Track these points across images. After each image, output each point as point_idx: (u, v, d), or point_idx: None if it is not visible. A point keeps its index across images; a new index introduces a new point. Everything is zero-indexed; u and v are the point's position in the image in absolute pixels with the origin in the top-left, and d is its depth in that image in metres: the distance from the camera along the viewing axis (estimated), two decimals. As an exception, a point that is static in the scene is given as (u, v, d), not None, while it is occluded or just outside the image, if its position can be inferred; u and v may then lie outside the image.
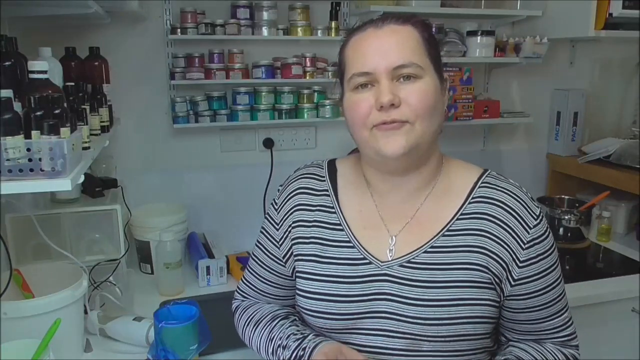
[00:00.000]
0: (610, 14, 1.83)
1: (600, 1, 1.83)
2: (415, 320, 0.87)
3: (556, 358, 0.94)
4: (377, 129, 0.85)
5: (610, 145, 2.11)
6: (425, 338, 0.87)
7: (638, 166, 1.94)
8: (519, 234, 0.88)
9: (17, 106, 0.88)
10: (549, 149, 2.34)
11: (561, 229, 1.98)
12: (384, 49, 0.85)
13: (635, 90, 2.37)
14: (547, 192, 2.30)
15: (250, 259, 1.08)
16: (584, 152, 2.19)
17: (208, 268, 1.65)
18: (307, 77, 1.86)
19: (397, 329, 0.89)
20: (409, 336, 0.88)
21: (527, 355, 0.93)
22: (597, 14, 1.84)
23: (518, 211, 0.89)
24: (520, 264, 0.88)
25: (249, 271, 1.08)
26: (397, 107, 0.84)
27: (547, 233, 0.90)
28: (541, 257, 0.89)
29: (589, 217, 2.07)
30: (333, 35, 1.87)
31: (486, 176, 0.94)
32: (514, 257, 0.88)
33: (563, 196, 2.14)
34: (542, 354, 0.94)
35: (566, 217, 1.98)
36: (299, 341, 0.93)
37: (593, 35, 1.86)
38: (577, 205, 2.05)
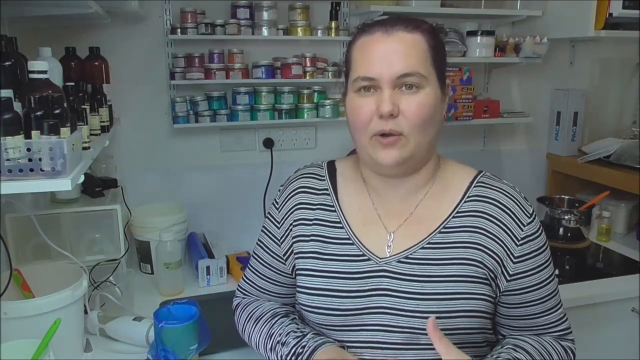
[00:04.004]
0: (610, 14, 1.84)
1: (600, 1, 1.83)
2: (412, 314, 0.90)
3: (553, 347, 0.96)
4: (376, 140, 0.89)
5: (610, 145, 2.11)
6: (422, 331, 0.89)
7: (638, 166, 1.94)
8: (513, 231, 0.92)
9: (17, 106, 0.88)
10: (549, 149, 2.34)
11: (561, 229, 1.98)
12: (390, 56, 0.87)
13: (635, 90, 2.37)
14: (547, 192, 2.30)
15: (252, 257, 1.10)
16: (584, 152, 2.19)
17: (208, 268, 1.65)
18: (307, 77, 1.86)
19: (396, 324, 0.91)
20: (407, 330, 0.90)
21: (525, 344, 0.94)
22: (597, 14, 1.84)
23: (512, 209, 0.93)
24: (515, 260, 0.92)
25: (250, 269, 1.10)
26: (396, 117, 0.87)
27: (540, 231, 0.94)
28: (535, 253, 0.93)
29: (589, 217, 2.07)
30: (333, 35, 1.87)
31: (481, 176, 0.98)
32: (509, 253, 0.92)
33: (563, 196, 2.14)
34: (540, 343, 0.96)
35: (566, 217, 1.98)
36: (298, 339, 0.94)
37: (593, 35, 1.86)
38: (577, 205, 2.05)
